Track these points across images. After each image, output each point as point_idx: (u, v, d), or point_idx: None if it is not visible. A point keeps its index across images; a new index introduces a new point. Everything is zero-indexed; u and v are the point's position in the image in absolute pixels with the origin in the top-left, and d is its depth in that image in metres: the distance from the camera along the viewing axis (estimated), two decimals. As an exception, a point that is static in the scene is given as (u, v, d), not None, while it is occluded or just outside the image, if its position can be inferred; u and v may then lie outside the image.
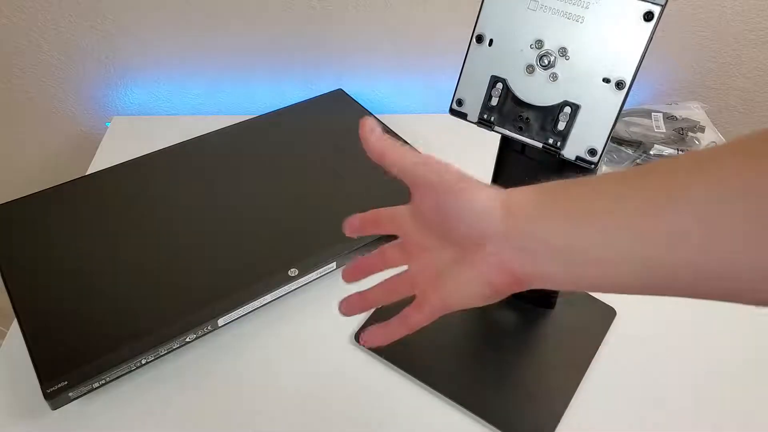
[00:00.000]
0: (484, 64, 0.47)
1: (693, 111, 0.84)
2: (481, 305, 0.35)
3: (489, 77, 0.47)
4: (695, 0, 0.81)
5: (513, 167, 0.53)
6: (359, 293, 0.40)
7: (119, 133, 0.84)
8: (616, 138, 0.78)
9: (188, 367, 0.55)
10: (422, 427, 0.52)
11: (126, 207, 0.66)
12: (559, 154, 0.46)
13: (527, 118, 0.46)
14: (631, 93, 0.42)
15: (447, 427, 0.52)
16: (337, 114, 0.82)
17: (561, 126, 0.45)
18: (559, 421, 0.51)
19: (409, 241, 0.38)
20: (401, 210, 0.38)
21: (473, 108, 0.48)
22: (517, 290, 0.34)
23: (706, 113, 0.84)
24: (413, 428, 0.52)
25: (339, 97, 0.85)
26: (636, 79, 0.42)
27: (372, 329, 0.38)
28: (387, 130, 0.78)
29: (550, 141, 0.46)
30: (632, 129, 0.79)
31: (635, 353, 0.57)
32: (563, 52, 0.44)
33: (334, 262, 0.61)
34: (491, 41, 0.46)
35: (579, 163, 0.45)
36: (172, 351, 0.55)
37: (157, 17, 0.80)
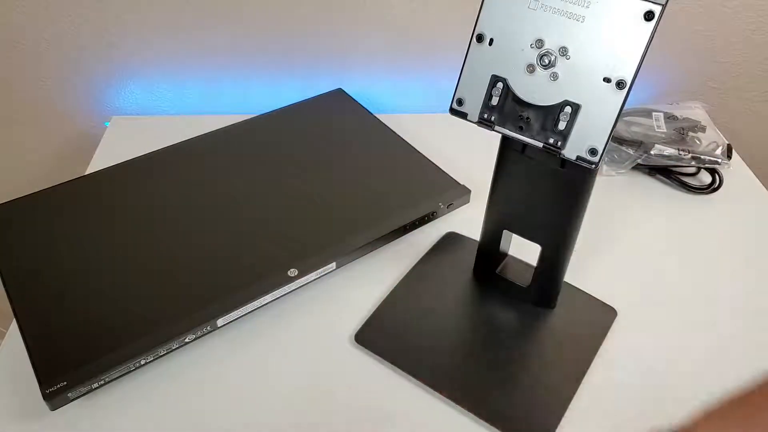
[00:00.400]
0: (485, 64, 0.47)
1: (694, 111, 0.83)
2: None
3: (489, 77, 0.47)
4: (696, -1, 0.81)
5: (513, 167, 0.53)
6: None
7: (119, 133, 0.84)
8: (616, 138, 0.78)
9: (187, 368, 0.55)
10: (422, 428, 0.52)
11: (125, 207, 0.66)
12: (560, 153, 0.46)
13: (528, 118, 0.46)
14: (631, 92, 0.42)
15: (447, 427, 0.52)
16: (337, 114, 0.82)
17: (561, 126, 0.45)
18: (559, 421, 0.51)
19: None
20: None
21: (473, 107, 0.48)
22: None
23: (707, 113, 0.84)
24: (413, 428, 0.52)
25: (339, 96, 0.85)
26: (637, 79, 0.42)
27: None
28: (387, 130, 0.78)
29: (551, 141, 0.46)
30: (633, 129, 0.79)
31: (635, 353, 0.57)
32: (564, 51, 0.44)
33: (334, 262, 0.61)
34: (491, 40, 0.46)
35: (580, 163, 0.45)
36: (171, 351, 0.54)
37: (157, 17, 0.79)
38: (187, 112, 0.89)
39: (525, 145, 0.48)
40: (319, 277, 0.61)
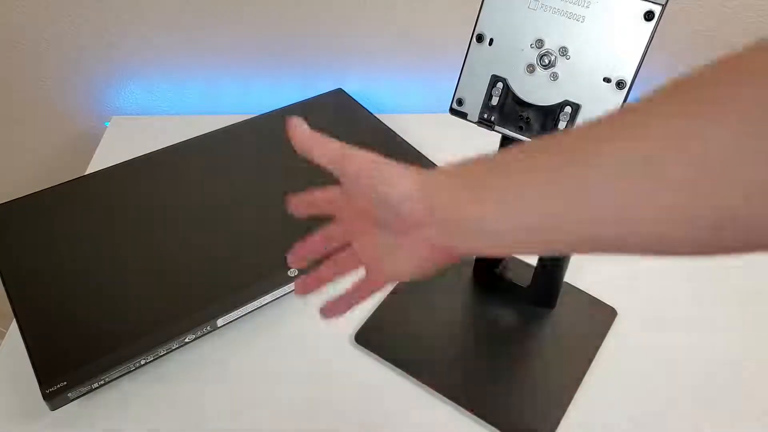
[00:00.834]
0: (485, 64, 0.47)
1: (693, 111, 0.83)
2: (428, 275, 0.36)
3: (489, 77, 0.47)
4: (696, -1, 0.81)
5: (513, 167, 0.53)
6: (312, 274, 0.43)
7: (118, 133, 0.84)
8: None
9: (187, 368, 0.55)
10: (422, 427, 0.52)
11: (125, 207, 0.66)
12: (560, 153, 0.45)
13: (528, 118, 0.46)
14: (631, 92, 0.42)
15: (447, 427, 0.52)
16: (337, 113, 0.82)
17: (562, 125, 0.45)
18: (559, 421, 0.51)
19: (347, 222, 0.41)
20: (336, 194, 0.41)
21: (473, 107, 0.48)
22: (454, 261, 0.35)
23: (706, 113, 0.84)
24: (413, 428, 0.52)
25: (339, 96, 0.85)
26: (637, 79, 0.42)
27: (331, 303, 0.42)
28: (387, 130, 0.78)
29: (551, 141, 0.46)
30: (633, 129, 0.79)
31: (636, 353, 0.57)
32: (564, 51, 0.44)
33: (334, 262, 0.61)
34: (491, 41, 0.46)
35: (579, 162, 0.45)
36: (171, 351, 0.54)
37: (157, 17, 0.79)
38: (187, 112, 0.89)
39: (525, 145, 0.48)
40: (319, 277, 0.61)
